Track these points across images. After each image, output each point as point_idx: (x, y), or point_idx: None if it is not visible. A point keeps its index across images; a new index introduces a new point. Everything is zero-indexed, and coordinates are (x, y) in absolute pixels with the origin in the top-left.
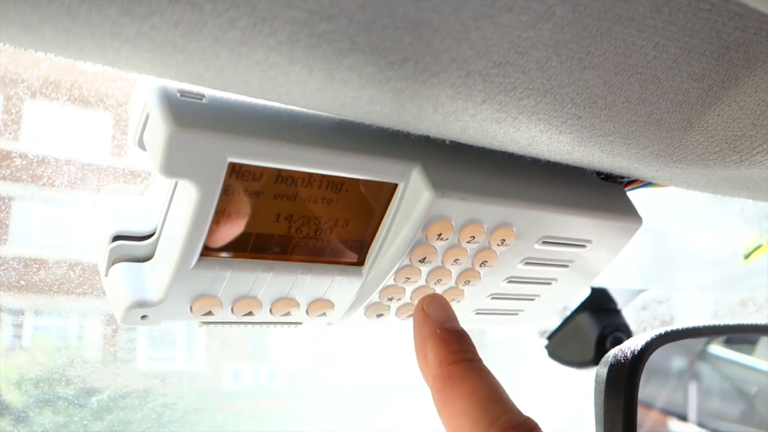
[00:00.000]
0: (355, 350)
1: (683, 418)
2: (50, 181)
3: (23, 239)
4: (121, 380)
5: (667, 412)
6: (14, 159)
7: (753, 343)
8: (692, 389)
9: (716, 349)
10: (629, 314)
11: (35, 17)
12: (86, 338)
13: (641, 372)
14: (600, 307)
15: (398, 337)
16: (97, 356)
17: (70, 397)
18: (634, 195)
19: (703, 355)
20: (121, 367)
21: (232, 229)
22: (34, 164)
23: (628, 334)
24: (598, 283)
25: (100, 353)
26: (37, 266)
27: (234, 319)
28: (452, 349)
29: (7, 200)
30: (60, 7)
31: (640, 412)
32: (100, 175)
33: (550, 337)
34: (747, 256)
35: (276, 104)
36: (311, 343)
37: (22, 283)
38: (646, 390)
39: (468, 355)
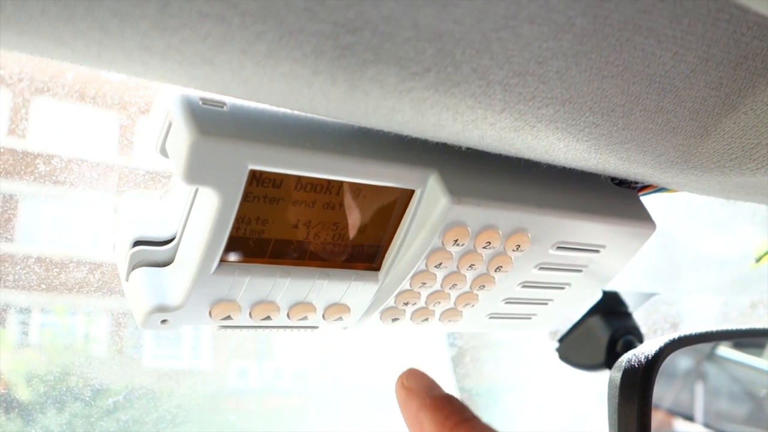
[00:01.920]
0: (365, 349)
1: (689, 418)
2: (72, 182)
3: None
4: (130, 379)
5: (673, 413)
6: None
7: (762, 345)
8: (699, 390)
9: (725, 350)
10: (639, 317)
11: (68, 32)
12: (95, 336)
13: (655, 377)
14: (611, 310)
15: (407, 336)
16: (105, 354)
17: (79, 396)
18: (647, 198)
19: (710, 356)
20: (130, 365)
21: (252, 235)
22: (59, 167)
23: (639, 337)
24: (610, 287)
25: (108, 351)
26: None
27: (252, 323)
28: (448, 413)
29: (23, 199)
30: (93, 22)
31: None
32: (121, 175)
33: (561, 340)
34: (758, 260)
35: (296, 112)
36: (322, 342)
37: (43, 285)
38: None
39: (466, 415)
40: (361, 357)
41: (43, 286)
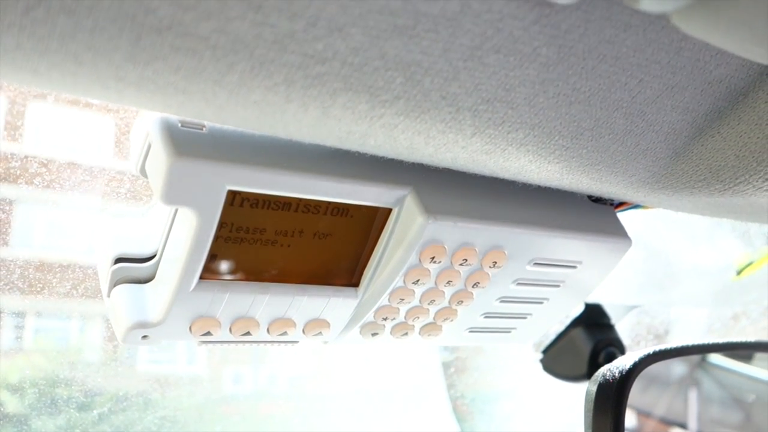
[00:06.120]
0: (359, 355)
1: (683, 426)
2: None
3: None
4: (124, 385)
5: (668, 422)
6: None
7: (750, 353)
8: (692, 398)
9: (715, 358)
10: (624, 328)
11: (44, 64)
12: (87, 341)
13: (629, 391)
14: (594, 322)
15: (396, 345)
16: (98, 359)
17: (70, 402)
18: (624, 214)
19: (702, 363)
20: (124, 371)
21: (231, 253)
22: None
23: (622, 349)
24: (592, 299)
25: (101, 356)
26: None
27: (232, 338)
28: None
29: (13, 203)
30: (67, 55)
31: (642, 421)
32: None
33: (544, 351)
34: (739, 273)
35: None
36: (317, 347)
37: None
38: (646, 399)
39: None
40: (354, 363)
41: (35, 289)
